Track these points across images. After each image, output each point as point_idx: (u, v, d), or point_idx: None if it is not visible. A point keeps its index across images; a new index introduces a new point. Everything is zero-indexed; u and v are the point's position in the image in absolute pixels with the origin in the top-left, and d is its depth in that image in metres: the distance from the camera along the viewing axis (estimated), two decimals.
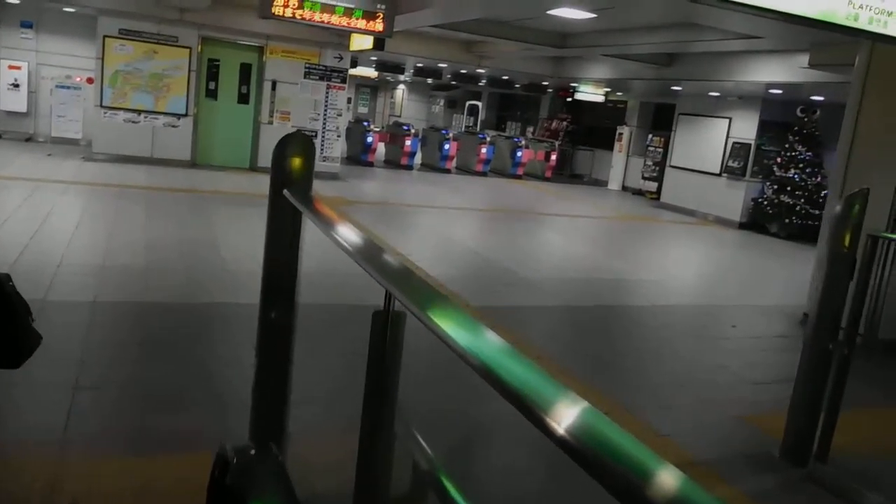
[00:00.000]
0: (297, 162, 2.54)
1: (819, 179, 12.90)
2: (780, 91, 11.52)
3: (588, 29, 10.68)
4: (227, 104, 13.26)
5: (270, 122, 13.33)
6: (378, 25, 8.74)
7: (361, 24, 8.70)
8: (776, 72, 10.27)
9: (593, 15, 8.83)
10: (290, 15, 8.42)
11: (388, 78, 27.85)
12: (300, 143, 2.51)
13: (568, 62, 15.15)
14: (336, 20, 8.56)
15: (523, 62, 15.02)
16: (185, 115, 12.74)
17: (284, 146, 2.51)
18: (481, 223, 11.35)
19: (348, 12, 8.57)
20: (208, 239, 7.48)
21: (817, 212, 12.79)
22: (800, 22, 3.92)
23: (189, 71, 12.62)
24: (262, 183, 11.08)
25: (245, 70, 13.28)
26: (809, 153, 12.90)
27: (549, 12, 8.87)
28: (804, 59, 9.78)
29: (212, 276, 6.21)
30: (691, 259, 10.58)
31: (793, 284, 9.26)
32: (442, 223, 10.59)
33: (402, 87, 30.42)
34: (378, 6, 8.67)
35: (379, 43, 10.70)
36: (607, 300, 7.16)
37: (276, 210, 2.56)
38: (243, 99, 13.37)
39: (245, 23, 12.34)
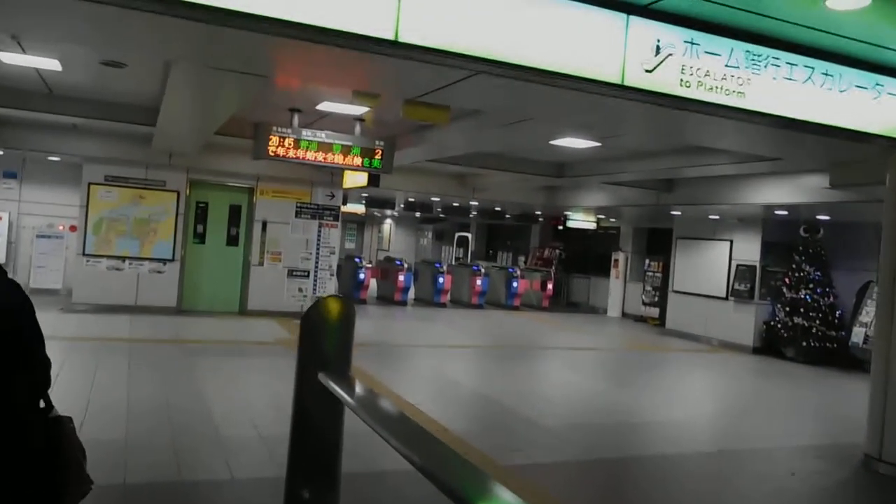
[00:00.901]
0: (332, 335, 1.91)
1: (832, 300, 12.46)
2: (785, 212, 11.30)
3: (586, 157, 10.53)
4: (216, 247, 12.80)
5: (261, 264, 12.84)
6: (376, 162, 8.44)
7: (359, 161, 8.40)
8: (784, 193, 10.06)
9: (597, 143, 8.64)
10: (286, 155, 8.11)
11: (376, 213, 27.96)
12: (337, 311, 1.89)
13: (562, 191, 15.06)
14: (333, 158, 8.26)
15: (517, 193, 14.91)
16: (172, 259, 12.23)
17: (316, 316, 1.87)
18: (488, 363, 10.64)
19: (346, 150, 8.29)
20: (197, 400, 6.69)
21: (834, 333, 12.27)
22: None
23: (176, 214, 12.25)
24: (253, 328, 10.30)
25: (234, 211, 12.95)
26: (818, 273, 12.55)
27: (551, 143, 8.67)
28: (813, 179, 9.62)
29: (203, 447, 5.39)
30: (715, 392, 9.86)
31: (834, 418, 8.55)
32: (447, 364, 9.87)
33: (389, 220, 30.52)
34: (377, 143, 8.42)
35: (374, 179, 10.41)
36: (642, 449, 6.37)
37: (308, 393, 1.89)
38: (232, 241, 12.95)
39: (235, 164, 12.14)
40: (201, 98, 6.91)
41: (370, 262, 18.91)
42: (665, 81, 3.73)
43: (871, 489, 5.87)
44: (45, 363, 1.56)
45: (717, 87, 3.44)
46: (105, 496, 4.32)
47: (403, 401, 7.39)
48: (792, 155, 7.05)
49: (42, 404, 1.57)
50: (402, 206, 19.93)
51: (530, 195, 15.15)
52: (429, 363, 9.75)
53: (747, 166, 8.93)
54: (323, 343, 1.81)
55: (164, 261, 12.19)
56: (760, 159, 7.82)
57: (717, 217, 13.69)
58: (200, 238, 12.76)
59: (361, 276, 16.77)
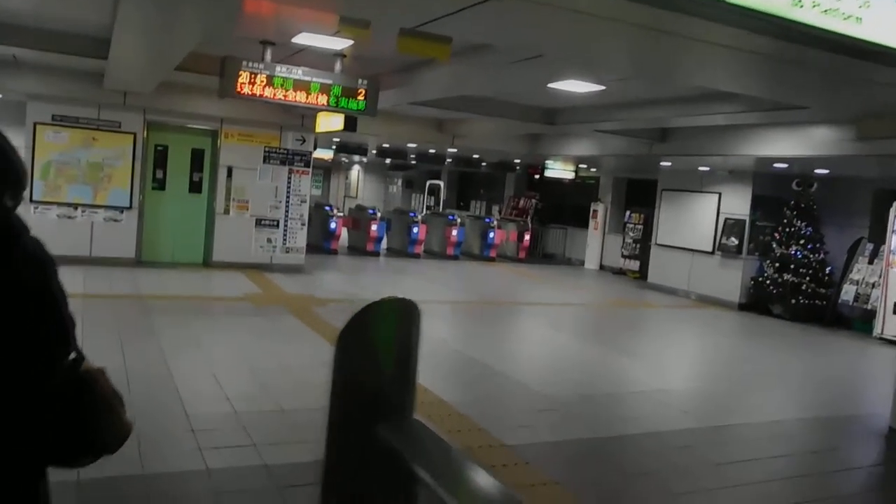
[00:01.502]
0: (389, 368, 1.23)
1: (822, 256, 12.13)
2: (785, 165, 10.80)
3: (581, 104, 9.81)
4: (177, 194, 11.85)
5: (227, 213, 11.95)
6: (360, 104, 7.60)
7: (339, 102, 7.55)
8: (788, 146, 9.51)
9: (600, 87, 7.91)
10: (258, 94, 7.22)
11: (343, 159, 26.91)
12: (399, 323, 1.20)
13: (547, 139, 14.35)
14: (311, 98, 7.40)
15: (500, 140, 14.15)
16: (129, 207, 11.26)
17: (360, 331, 1.18)
18: (472, 321, 10.06)
19: (325, 89, 7.42)
20: (160, 369, 5.96)
21: (824, 291, 11.98)
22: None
23: (133, 159, 11.23)
24: (219, 283, 9.46)
25: (197, 156, 11.97)
26: (809, 228, 12.18)
27: (549, 86, 7.91)
28: (820, 131, 9.08)
29: (168, 430, 4.69)
30: (715, 355, 9.45)
31: (840, 384, 8.21)
32: (430, 323, 9.20)
33: (357, 167, 29.49)
34: (359, 82, 7.56)
35: (351, 123, 9.57)
36: (653, 424, 5.88)
37: (352, 445, 1.22)
38: (195, 188, 12.00)
39: (197, 105, 11.12)
40: (157, 26, 5.98)
41: (341, 210, 18.07)
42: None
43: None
44: (72, 321, 1.61)
45: (832, 10, 2.74)
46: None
47: None
48: (827, 103, 6.45)
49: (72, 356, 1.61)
50: (374, 152, 18.99)
51: (513, 143, 14.41)
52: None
53: (752, 116, 8.31)
54: (375, 378, 1.12)
55: (120, 209, 11.21)
56: (776, 108, 7.20)
57: (707, 169, 13.17)
58: (160, 184, 11.77)
59: (332, 225, 15.97)
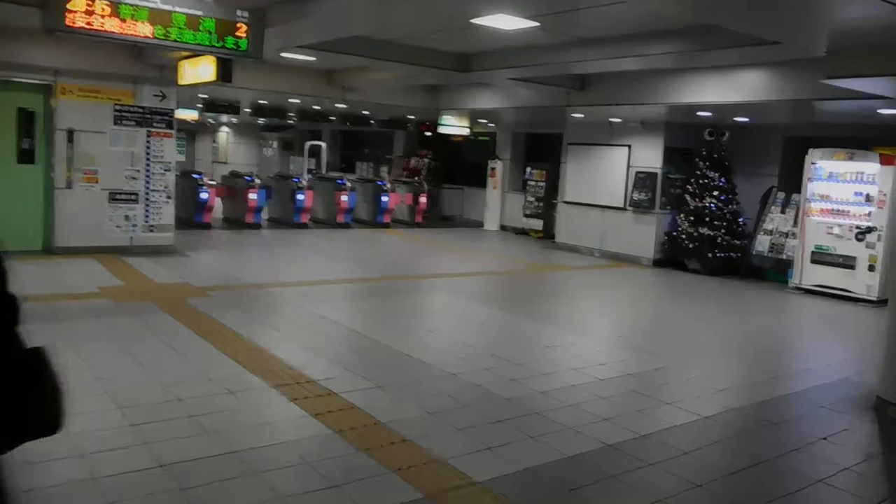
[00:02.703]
0: None
1: (735, 207, 11.72)
2: (709, 113, 10.11)
3: (500, 47, 8.55)
4: (2, 166, 9.56)
5: (69, 186, 9.80)
6: (239, 42, 5.94)
7: (212, 40, 5.85)
8: (717, 92, 8.75)
9: (535, 24, 6.66)
10: (98, 28, 5.39)
11: (211, 121, 24.30)
12: None
13: (450, 91, 13.02)
14: (173, 35, 5.65)
15: (395, 93, 12.67)
16: None
17: None
18: (377, 300, 8.69)
19: (192, 23, 5.69)
20: None
21: (738, 243, 11.60)
22: None
23: None
24: (67, 273, 7.02)
25: (26, 118, 9.66)
26: (722, 179, 11.71)
27: (474, 21, 6.57)
28: (749, 76, 8.36)
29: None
30: (660, 323, 8.61)
31: (787, 342, 7.63)
32: (326, 306, 7.83)
33: (225, 128, 26.86)
34: (239, 14, 5.89)
35: (225, 71, 7.75)
36: (640, 422, 4.86)
37: None
38: (26, 157, 9.72)
39: (22, 53, 8.87)
40: None
41: (213, 178, 15.94)
42: None
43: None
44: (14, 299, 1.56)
45: None
46: None
47: (286, 367, 5.39)
48: (794, 38, 5.55)
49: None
50: (247, 111, 16.88)
51: (412, 96, 12.97)
52: (303, 306, 7.65)
53: (684, 58, 7.37)
54: None
55: None
56: (748, 44, 6.27)
57: (618, 120, 12.39)
58: None
59: (204, 195, 13.97)
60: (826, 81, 6.16)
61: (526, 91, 11.18)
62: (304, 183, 15.36)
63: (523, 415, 4.79)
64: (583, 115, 11.91)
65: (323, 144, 21.65)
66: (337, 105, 14.22)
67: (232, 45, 5.93)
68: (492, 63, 9.12)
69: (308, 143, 22.24)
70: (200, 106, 16.32)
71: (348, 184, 15.67)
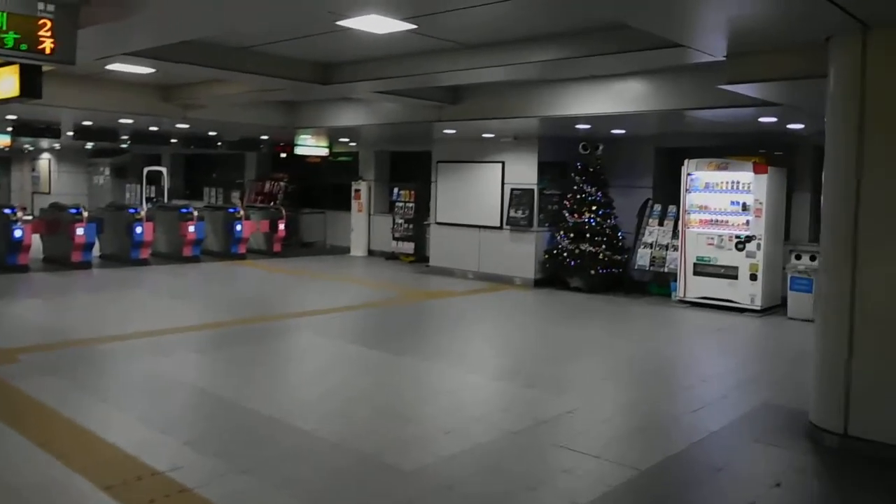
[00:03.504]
0: None
1: (614, 221, 11.47)
2: (588, 126, 9.70)
3: (368, 55, 7.60)
4: None
5: None
6: (44, 45, 4.58)
7: (6, 41, 4.46)
8: (600, 103, 8.31)
9: (410, 26, 5.79)
10: None
11: (28, 146, 21.40)
12: None
13: (307, 108, 11.83)
14: None
15: (248, 111, 11.31)
16: None
17: None
18: (249, 353, 7.37)
19: None
20: None
21: (619, 258, 11.34)
22: None
23: None
24: None
25: None
26: (599, 193, 11.43)
27: (340, 24, 5.60)
28: (631, 86, 8.00)
29: None
30: (556, 351, 7.91)
31: (699, 364, 7.21)
32: (183, 365, 6.49)
33: (46, 155, 23.83)
34: (41, 8, 4.53)
35: (31, 84, 6.19)
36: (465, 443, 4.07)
37: None
38: None
39: None
40: None
41: (29, 213, 13.68)
42: None
43: (852, 472, 4.36)
44: None
45: None
46: None
47: (120, 455, 4.14)
48: (698, 37, 5.07)
49: None
50: (70, 133, 14.71)
51: (263, 113, 11.65)
52: (144, 365, 6.25)
53: (569, 65, 6.81)
54: None
55: None
56: (636, 49, 5.75)
57: (491, 136, 11.80)
58: None
59: (18, 233, 11.85)
60: (725, 87, 5.79)
61: (394, 106, 10.30)
62: (143, 213, 13.53)
63: (436, 491, 3.84)
64: (455, 131, 11.20)
65: (163, 170, 19.65)
66: (178, 125, 12.60)
67: (34, 49, 4.55)
68: (357, 74, 8.13)
69: (146, 169, 20.11)
70: (11, 129, 13.99)
71: (195, 212, 14.00)
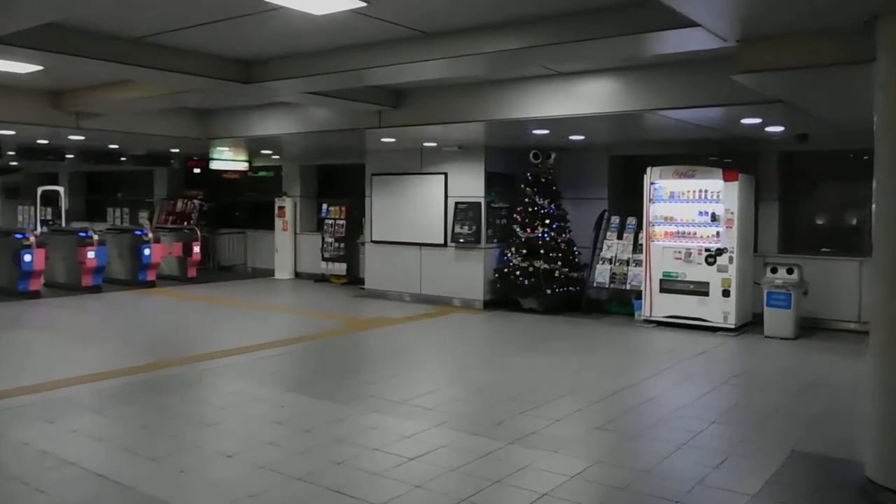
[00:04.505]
0: None
1: (568, 235, 10.58)
2: (546, 131, 8.74)
3: (296, 48, 6.39)
4: None
5: None
6: None
7: None
8: (565, 104, 7.37)
9: (360, 4, 4.65)
10: None
11: None
12: None
13: (222, 116, 10.42)
14: None
15: (153, 120, 9.84)
16: None
17: None
18: (157, 413, 5.93)
19: None
20: None
21: (576, 275, 10.45)
22: None
23: None
24: None
25: None
26: (552, 206, 10.52)
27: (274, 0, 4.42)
28: (595, 86, 7.11)
29: None
30: (529, 387, 6.83)
31: (700, 403, 6.22)
32: (70, 434, 5.07)
33: None
34: None
35: None
36: None
37: None
38: None
39: None
40: None
41: None
42: None
43: None
44: None
45: None
46: None
47: None
48: (710, 14, 4.15)
49: None
50: None
51: (172, 123, 10.18)
52: (17, 435, 4.81)
53: (538, 53, 5.84)
54: None
55: None
56: (621, 34, 4.78)
57: (432, 145, 10.72)
58: None
59: None
60: (737, 77, 4.92)
61: (325, 112, 9.09)
62: (33, 239, 11.73)
63: None
64: (395, 140, 10.05)
65: (61, 189, 17.66)
66: (71, 137, 10.94)
67: None
68: (284, 71, 6.87)
69: (41, 189, 18.04)
70: None
71: (95, 236, 12.29)
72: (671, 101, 6.80)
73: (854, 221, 9.72)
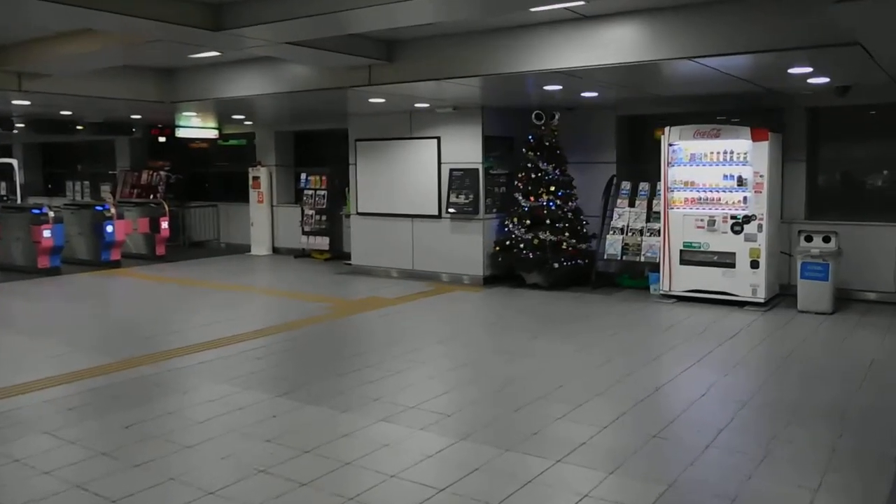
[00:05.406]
0: None
1: (575, 203, 9.70)
2: (559, 87, 7.75)
3: None
4: None
5: None
6: None
7: None
8: (589, 53, 6.39)
9: None
10: None
11: None
12: None
13: (187, 76, 9.25)
14: None
15: (108, 80, 8.67)
16: None
17: None
18: (123, 432, 5.00)
19: None
20: None
21: (584, 246, 9.59)
22: None
23: None
24: None
25: None
26: (558, 171, 9.61)
27: None
28: (626, 30, 6.16)
29: None
30: (567, 383, 5.98)
31: (752, 392, 5.41)
32: (24, 451, 4.12)
33: None
34: None
35: None
36: None
37: None
38: None
39: None
40: None
41: None
42: None
43: None
44: None
45: None
46: None
47: None
48: None
49: None
50: None
51: (130, 84, 9.01)
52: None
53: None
54: None
55: None
56: None
57: (424, 106, 9.70)
58: None
59: None
60: (835, 7, 4.02)
61: (307, 69, 8.02)
62: None
63: None
64: (384, 100, 8.98)
65: (14, 162, 16.29)
66: (15, 102, 9.72)
67: None
68: (259, 15, 5.79)
69: None
70: None
71: (50, 213, 11.14)
72: (716, 46, 5.86)
73: (889, 183, 8.96)
